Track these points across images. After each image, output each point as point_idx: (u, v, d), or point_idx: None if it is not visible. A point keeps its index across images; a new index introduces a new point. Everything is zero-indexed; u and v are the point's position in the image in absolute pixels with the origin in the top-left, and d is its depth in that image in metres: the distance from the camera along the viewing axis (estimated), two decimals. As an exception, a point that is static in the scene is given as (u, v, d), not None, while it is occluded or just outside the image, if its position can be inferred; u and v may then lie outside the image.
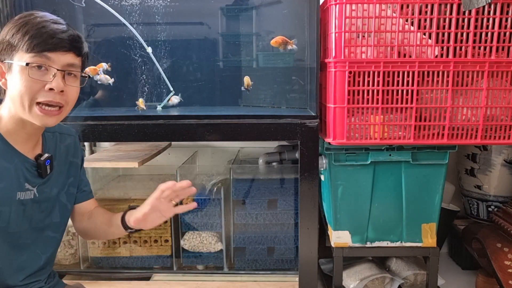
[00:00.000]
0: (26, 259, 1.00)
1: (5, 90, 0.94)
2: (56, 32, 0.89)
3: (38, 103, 0.90)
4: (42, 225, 1.02)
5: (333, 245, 1.51)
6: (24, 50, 0.88)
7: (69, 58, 0.92)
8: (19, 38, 0.88)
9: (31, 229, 1.00)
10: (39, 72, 0.89)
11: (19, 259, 0.99)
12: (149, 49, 1.59)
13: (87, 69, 1.57)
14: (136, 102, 1.59)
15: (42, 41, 0.88)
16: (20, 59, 0.89)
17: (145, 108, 1.60)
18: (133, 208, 1.12)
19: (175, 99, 1.64)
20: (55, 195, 1.04)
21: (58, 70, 0.90)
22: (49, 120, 0.93)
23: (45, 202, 1.01)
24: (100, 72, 1.55)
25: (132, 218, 1.07)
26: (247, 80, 1.59)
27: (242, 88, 1.61)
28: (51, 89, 0.90)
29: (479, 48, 1.27)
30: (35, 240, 1.01)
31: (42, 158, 0.98)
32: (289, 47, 1.51)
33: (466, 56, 1.27)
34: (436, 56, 1.28)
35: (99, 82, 1.56)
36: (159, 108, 1.63)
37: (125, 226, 1.09)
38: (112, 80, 1.57)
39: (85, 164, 1.63)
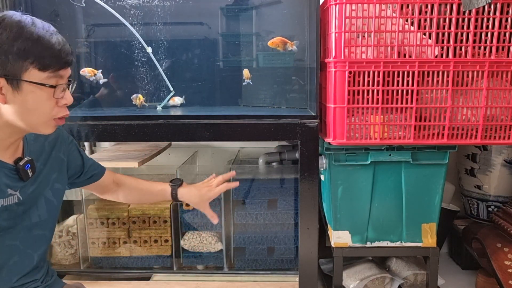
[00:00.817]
0: (17, 260, 1.00)
1: None
2: (64, 49, 0.90)
3: (55, 118, 0.93)
4: (29, 224, 1.01)
5: (333, 245, 1.51)
6: (37, 68, 0.86)
7: (69, 70, 0.94)
8: (34, 55, 0.85)
9: (17, 230, 0.99)
10: (52, 91, 0.90)
11: (9, 260, 0.98)
12: (149, 49, 1.59)
13: (86, 69, 1.57)
14: (133, 98, 1.59)
15: (58, 61, 0.89)
16: (35, 77, 0.86)
17: (146, 104, 1.60)
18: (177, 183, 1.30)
19: (178, 100, 1.64)
20: (39, 193, 1.02)
21: (66, 84, 0.93)
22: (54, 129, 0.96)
23: (29, 202, 1.00)
24: (98, 75, 1.59)
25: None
26: (246, 72, 1.59)
27: (244, 82, 1.61)
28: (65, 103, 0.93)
29: (479, 48, 1.27)
30: (22, 240, 1.00)
31: (21, 163, 0.96)
32: (289, 48, 1.51)
33: (466, 56, 1.27)
34: (436, 56, 1.28)
35: (92, 79, 1.61)
36: (159, 108, 1.63)
37: (175, 199, 1.29)
38: (105, 80, 1.62)
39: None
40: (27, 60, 0.85)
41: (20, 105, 0.88)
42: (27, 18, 0.88)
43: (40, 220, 1.03)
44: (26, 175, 0.97)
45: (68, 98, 0.94)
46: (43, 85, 0.87)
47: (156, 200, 1.33)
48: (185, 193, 1.28)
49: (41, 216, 1.03)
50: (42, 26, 0.89)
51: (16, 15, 0.87)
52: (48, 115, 0.91)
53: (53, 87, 0.89)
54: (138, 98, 1.60)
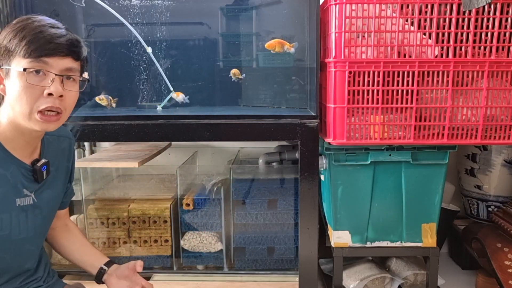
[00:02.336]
0: (30, 265, 1.01)
1: (3, 96, 0.92)
2: (53, 37, 0.88)
3: (39, 111, 0.89)
4: (45, 230, 1.03)
5: (333, 245, 1.51)
6: (21, 56, 0.87)
7: (67, 62, 0.91)
8: (16, 43, 0.87)
9: (35, 235, 1.00)
10: (37, 77, 0.88)
11: (24, 265, 0.99)
12: (149, 49, 1.59)
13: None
14: (100, 98, 1.58)
15: (40, 46, 0.87)
16: (18, 64, 0.87)
17: (113, 106, 1.58)
18: (111, 264, 1.15)
19: (181, 97, 1.63)
20: (53, 199, 1.04)
21: (56, 75, 0.89)
22: (49, 125, 0.91)
23: (45, 207, 1.01)
24: None
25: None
26: (235, 72, 1.58)
27: (233, 79, 1.60)
28: (49, 94, 0.88)
29: (479, 48, 1.27)
30: (38, 246, 1.02)
31: (38, 164, 0.97)
32: (288, 50, 1.50)
33: (466, 56, 1.27)
34: (436, 56, 1.28)
35: None
36: (159, 108, 1.63)
37: (98, 279, 1.14)
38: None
39: (85, 164, 1.64)
40: (12, 48, 0.87)
41: (9, 94, 0.89)
42: (32, 16, 0.90)
43: (50, 226, 1.06)
44: (41, 176, 0.98)
45: (53, 89, 0.88)
46: (20, 69, 0.87)
47: (82, 266, 1.17)
48: (114, 283, 1.11)
49: (49, 222, 1.05)
50: (38, 19, 0.90)
51: (27, 16, 0.91)
52: (29, 105, 0.88)
53: (25, 70, 0.86)
54: (111, 100, 1.58)
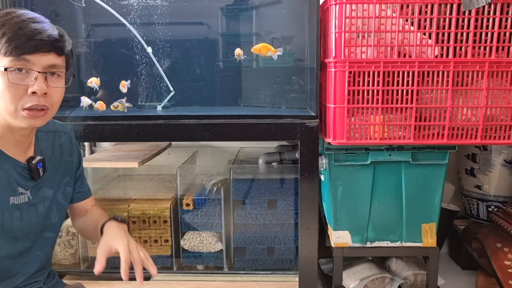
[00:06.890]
0: (26, 262, 1.00)
1: None
2: (34, 33, 0.85)
3: (25, 108, 0.87)
4: (41, 227, 1.02)
5: (333, 245, 1.51)
6: (2, 54, 0.84)
7: (50, 58, 0.88)
8: None
9: (32, 233, 0.99)
10: (19, 76, 0.86)
11: (19, 262, 0.99)
12: (149, 49, 1.59)
13: (92, 79, 1.56)
14: (114, 107, 1.55)
15: (20, 44, 0.84)
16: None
17: (126, 109, 1.54)
18: (117, 219, 1.08)
19: (128, 84, 1.58)
20: (51, 196, 1.03)
21: (39, 72, 0.87)
22: (35, 121, 0.90)
23: (41, 204, 1.00)
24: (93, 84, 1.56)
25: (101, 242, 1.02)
26: (238, 51, 1.56)
27: (237, 60, 1.57)
28: (34, 92, 0.87)
29: (479, 48, 1.27)
30: (34, 243, 1.01)
31: (33, 162, 0.96)
32: (271, 55, 1.47)
33: (466, 56, 1.27)
34: (436, 56, 1.28)
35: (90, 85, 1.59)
36: (159, 108, 1.63)
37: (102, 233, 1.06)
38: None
39: (85, 164, 1.63)
40: None
41: None
42: (12, 11, 0.87)
43: (51, 223, 1.04)
44: (37, 174, 0.98)
45: (37, 87, 0.86)
46: (1, 69, 0.84)
47: (94, 238, 1.11)
48: (109, 228, 1.04)
49: (53, 219, 1.04)
50: (18, 14, 0.87)
51: (7, 10, 0.88)
52: (14, 104, 0.86)
53: (6, 69, 0.84)
54: (120, 106, 1.56)
